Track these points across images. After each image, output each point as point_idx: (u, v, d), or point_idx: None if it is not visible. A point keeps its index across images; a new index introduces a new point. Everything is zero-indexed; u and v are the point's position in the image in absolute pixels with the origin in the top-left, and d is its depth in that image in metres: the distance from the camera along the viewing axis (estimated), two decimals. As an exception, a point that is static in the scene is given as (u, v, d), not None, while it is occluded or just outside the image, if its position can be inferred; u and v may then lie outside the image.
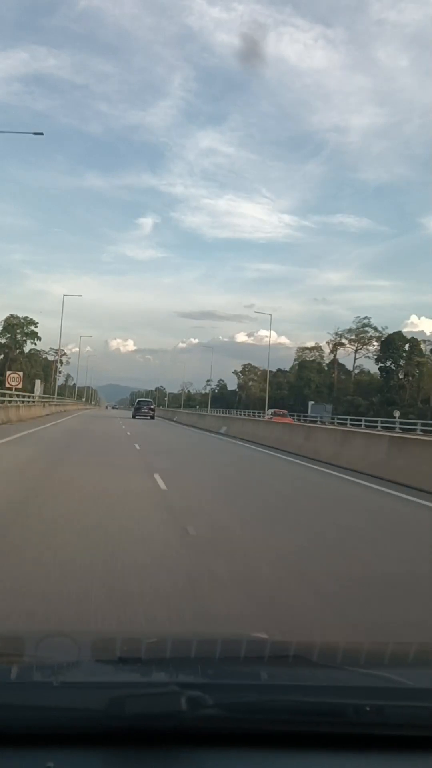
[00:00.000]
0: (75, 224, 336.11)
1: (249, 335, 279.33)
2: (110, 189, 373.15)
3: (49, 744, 1.19)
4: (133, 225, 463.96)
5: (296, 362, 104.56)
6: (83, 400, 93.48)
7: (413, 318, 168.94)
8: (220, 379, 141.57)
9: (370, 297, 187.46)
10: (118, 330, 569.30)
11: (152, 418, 47.73)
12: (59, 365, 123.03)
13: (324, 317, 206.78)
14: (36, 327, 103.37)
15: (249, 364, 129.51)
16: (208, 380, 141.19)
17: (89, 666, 1.64)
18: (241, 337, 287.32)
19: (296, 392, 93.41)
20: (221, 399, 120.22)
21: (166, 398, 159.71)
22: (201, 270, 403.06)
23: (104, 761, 1.19)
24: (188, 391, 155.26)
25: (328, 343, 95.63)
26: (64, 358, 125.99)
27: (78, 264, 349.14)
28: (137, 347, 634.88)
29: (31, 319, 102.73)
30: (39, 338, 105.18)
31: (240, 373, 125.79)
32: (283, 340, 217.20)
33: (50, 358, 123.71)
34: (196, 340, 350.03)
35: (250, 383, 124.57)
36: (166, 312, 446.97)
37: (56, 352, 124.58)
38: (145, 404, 52.05)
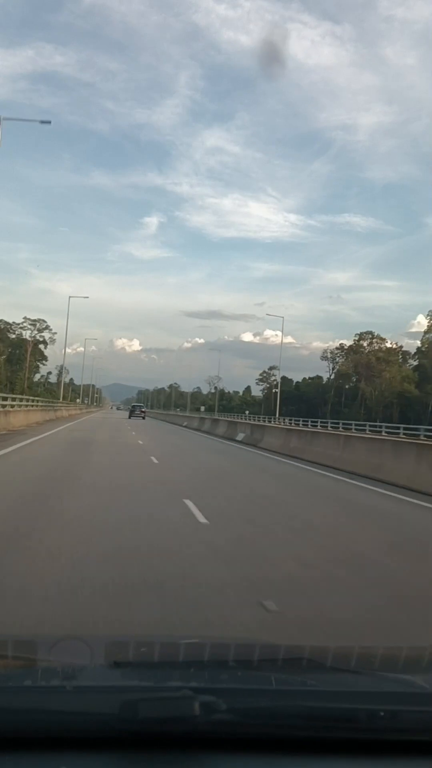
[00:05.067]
0: (80, 223, 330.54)
1: (255, 335, 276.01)
2: (116, 188, 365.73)
3: (61, 748, 1.19)
4: (139, 224, 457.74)
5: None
6: (60, 399, 57.93)
7: (420, 318, 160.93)
8: (263, 372, 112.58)
9: (376, 297, 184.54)
10: (124, 329, 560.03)
11: (143, 418, 61.62)
12: (44, 348, 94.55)
13: (329, 317, 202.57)
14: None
15: (370, 332, 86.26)
16: (271, 367, 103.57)
17: (102, 670, 1.63)
18: (248, 337, 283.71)
19: None
20: (296, 398, 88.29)
21: (172, 398, 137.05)
22: (206, 269, 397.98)
23: (117, 765, 1.19)
24: (214, 388, 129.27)
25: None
26: (47, 335, 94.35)
27: (83, 263, 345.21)
28: (143, 347, 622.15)
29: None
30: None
31: (347, 352, 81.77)
32: (290, 339, 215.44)
33: (27, 335, 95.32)
34: (202, 340, 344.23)
35: (359, 368, 79.93)
36: (171, 311, 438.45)
37: (33, 325, 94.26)
38: (138, 407, 70.03)
